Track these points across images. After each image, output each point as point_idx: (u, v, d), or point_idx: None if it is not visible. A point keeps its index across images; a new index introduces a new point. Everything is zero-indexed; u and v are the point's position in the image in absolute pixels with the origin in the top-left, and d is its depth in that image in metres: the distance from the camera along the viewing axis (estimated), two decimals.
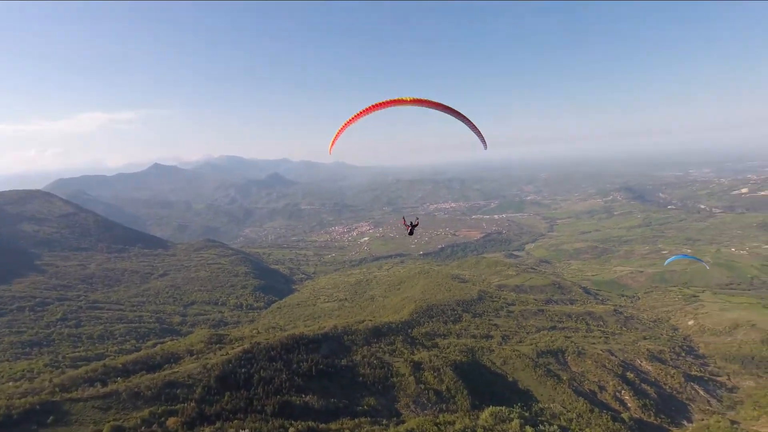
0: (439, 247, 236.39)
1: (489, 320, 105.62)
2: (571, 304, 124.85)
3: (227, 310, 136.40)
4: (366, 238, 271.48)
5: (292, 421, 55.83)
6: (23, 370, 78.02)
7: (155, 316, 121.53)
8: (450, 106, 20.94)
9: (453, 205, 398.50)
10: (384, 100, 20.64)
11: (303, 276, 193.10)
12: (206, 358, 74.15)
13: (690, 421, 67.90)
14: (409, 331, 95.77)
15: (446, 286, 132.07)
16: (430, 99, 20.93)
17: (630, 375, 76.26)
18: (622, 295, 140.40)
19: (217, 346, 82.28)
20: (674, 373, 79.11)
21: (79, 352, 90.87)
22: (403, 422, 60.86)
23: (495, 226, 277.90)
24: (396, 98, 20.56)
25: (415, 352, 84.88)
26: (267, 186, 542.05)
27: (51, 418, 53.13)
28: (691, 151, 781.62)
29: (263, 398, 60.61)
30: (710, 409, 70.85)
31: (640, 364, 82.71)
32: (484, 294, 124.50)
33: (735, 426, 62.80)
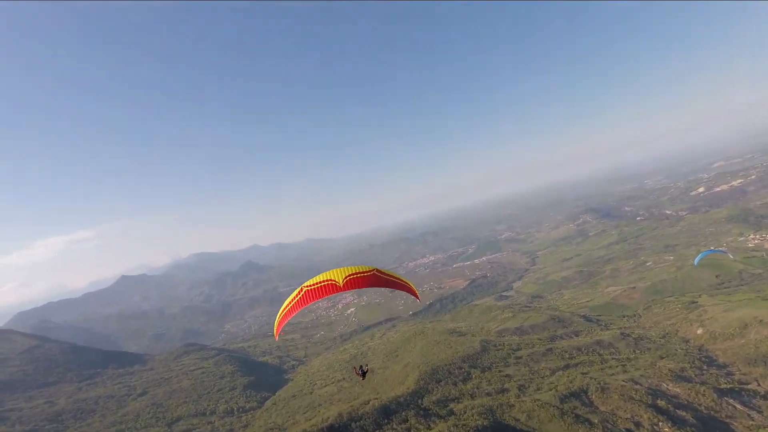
0: (428, 303, 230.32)
1: (499, 372, 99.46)
2: (577, 336, 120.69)
3: (217, 419, 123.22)
4: (352, 309, 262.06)
5: None
6: None
7: None
8: (378, 273, 20.33)
9: (432, 258, 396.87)
10: (320, 287, 19.68)
11: (294, 362, 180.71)
12: None
13: None
14: (420, 401, 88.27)
15: (446, 343, 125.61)
16: (360, 271, 20.50)
17: (661, 403, 71.52)
18: (623, 316, 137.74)
19: None
20: (704, 390, 74.95)
21: None
22: None
23: (478, 271, 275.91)
24: (331, 282, 19.54)
25: (432, 425, 77.51)
26: (241, 276, 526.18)
27: None
28: (638, 163, 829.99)
29: None
30: (754, 423, 66.39)
31: (668, 388, 78.25)
32: (487, 344, 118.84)
33: None
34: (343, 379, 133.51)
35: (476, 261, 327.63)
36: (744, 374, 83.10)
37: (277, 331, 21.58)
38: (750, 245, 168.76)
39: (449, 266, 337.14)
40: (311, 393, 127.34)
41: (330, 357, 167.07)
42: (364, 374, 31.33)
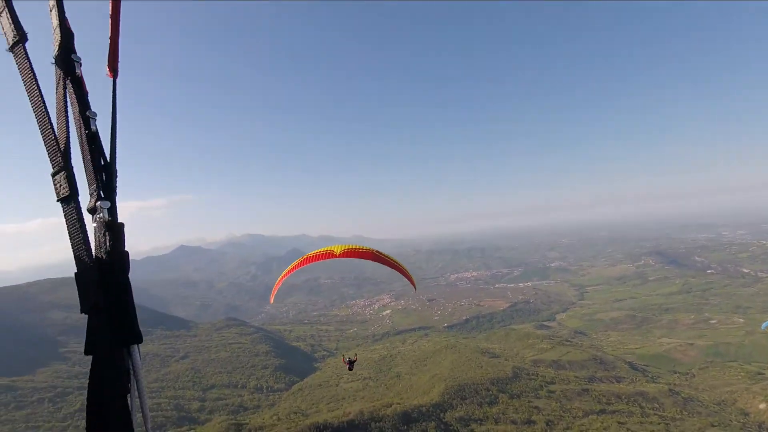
0: (464, 318, 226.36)
1: (528, 402, 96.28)
2: (618, 382, 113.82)
3: (247, 394, 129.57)
4: (388, 311, 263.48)
5: None
6: None
7: (173, 403, 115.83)
8: (377, 252, 21.51)
9: (474, 274, 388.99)
10: (318, 253, 21.32)
11: (325, 353, 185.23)
12: None
13: None
14: (442, 415, 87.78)
15: (477, 362, 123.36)
16: (359, 247, 21.94)
17: None
18: (674, 372, 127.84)
19: None
20: None
21: None
22: None
23: (521, 295, 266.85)
24: (327, 250, 21.09)
25: None
26: (287, 262, 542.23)
27: None
28: (718, 213, 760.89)
29: None
30: None
31: None
32: (520, 371, 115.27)
33: None
34: (369, 378, 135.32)
35: (521, 284, 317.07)
36: None
37: (273, 293, 23.14)
38: None
39: (491, 285, 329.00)
40: (337, 386, 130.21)
41: (360, 354, 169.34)
42: (351, 364, 31.34)
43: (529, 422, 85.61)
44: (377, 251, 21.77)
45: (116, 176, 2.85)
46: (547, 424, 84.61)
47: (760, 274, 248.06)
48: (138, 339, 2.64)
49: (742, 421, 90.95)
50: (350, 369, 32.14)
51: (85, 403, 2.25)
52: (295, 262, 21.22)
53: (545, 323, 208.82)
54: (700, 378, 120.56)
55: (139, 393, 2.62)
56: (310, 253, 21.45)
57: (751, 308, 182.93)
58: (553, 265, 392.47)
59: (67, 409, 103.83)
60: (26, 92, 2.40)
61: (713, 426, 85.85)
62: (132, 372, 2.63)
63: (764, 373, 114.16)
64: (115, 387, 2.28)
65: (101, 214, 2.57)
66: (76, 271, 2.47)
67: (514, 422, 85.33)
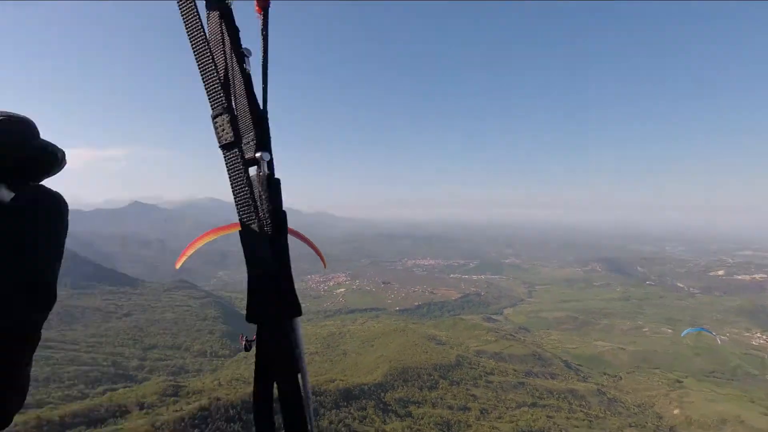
0: (416, 304, 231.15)
1: (467, 390, 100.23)
2: (552, 378, 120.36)
3: (190, 357, 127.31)
4: (342, 290, 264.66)
5: None
6: None
7: (111, 359, 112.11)
8: (296, 232, 21.35)
9: (432, 262, 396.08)
10: (225, 226, 20.14)
11: None
12: (157, 413, 67.01)
13: None
14: (382, 395, 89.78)
15: (423, 348, 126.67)
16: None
17: None
18: (604, 374, 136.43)
19: (172, 399, 75.00)
20: None
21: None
22: None
23: (473, 287, 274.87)
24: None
25: (387, 420, 79.00)
26: None
27: None
28: (665, 228, 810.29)
29: None
30: None
31: None
32: (462, 359, 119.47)
33: None
34: (316, 353, 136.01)
35: (474, 277, 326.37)
36: None
37: (180, 260, 22.17)
38: (754, 343, 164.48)
39: (446, 275, 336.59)
40: None
41: (309, 329, 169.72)
42: (249, 345, 29.67)
43: (465, 409, 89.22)
44: (291, 228, 21.03)
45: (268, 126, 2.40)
46: (481, 412, 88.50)
47: (693, 290, 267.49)
48: (300, 311, 2.23)
49: (656, 423, 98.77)
50: (246, 350, 29.61)
51: (253, 377, 2.00)
52: (209, 234, 20.32)
53: (493, 316, 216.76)
54: (626, 381, 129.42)
55: (302, 374, 2.13)
56: (226, 225, 20.66)
57: (680, 321, 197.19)
58: (507, 261, 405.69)
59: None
60: (185, 26, 2.02)
61: (630, 426, 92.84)
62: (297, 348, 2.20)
63: (683, 382, 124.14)
64: (290, 363, 1.92)
65: (262, 168, 2.22)
66: (240, 229, 2.11)
67: (450, 407, 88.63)
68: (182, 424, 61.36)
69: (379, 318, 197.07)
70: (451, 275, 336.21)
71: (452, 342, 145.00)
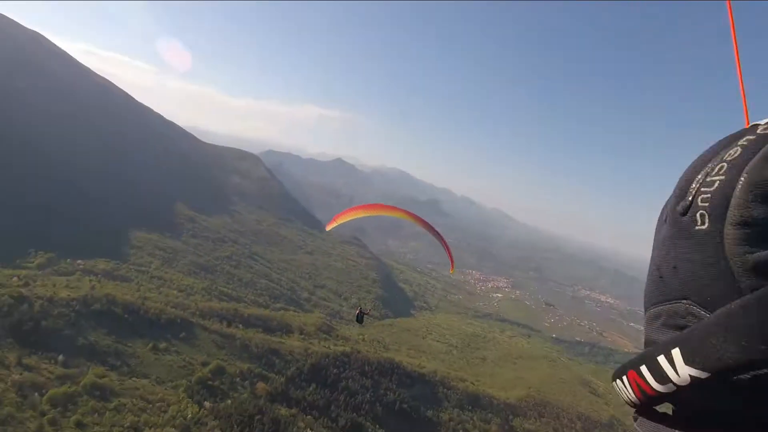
0: (578, 339, 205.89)
1: None
2: None
3: (346, 306, 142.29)
4: (499, 295, 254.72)
5: None
6: (187, 285, 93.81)
7: (290, 285, 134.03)
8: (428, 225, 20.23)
9: (611, 300, 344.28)
10: (377, 206, 21.88)
11: (424, 305, 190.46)
12: (310, 343, 77.26)
13: None
14: (511, 417, 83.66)
15: (572, 389, 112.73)
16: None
17: None
18: None
19: (324, 336, 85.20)
20: None
21: (227, 288, 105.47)
22: None
23: None
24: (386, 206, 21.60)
25: None
26: (424, 209, 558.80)
27: (182, 334, 61.55)
28: None
29: (341, 409, 59.50)
30: None
31: None
32: (617, 424, 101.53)
33: None
34: (456, 347, 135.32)
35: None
36: None
37: (333, 223, 22.44)
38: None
39: (626, 321, 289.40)
40: (423, 338, 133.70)
41: (456, 322, 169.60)
42: (361, 317, 27.32)
43: None
44: (430, 224, 21.02)
45: None
46: None
47: None
48: None
49: None
50: (358, 321, 27.48)
51: None
52: (367, 210, 20.95)
53: None
54: None
55: None
56: (379, 205, 21.45)
57: None
58: None
59: (220, 252, 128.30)
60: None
61: None
62: None
63: None
64: None
65: None
66: None
67: None
68: (326, 360, 69.15)
69: (531, 338, 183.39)
70: (631, 323, 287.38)
71: (610, 399, 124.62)
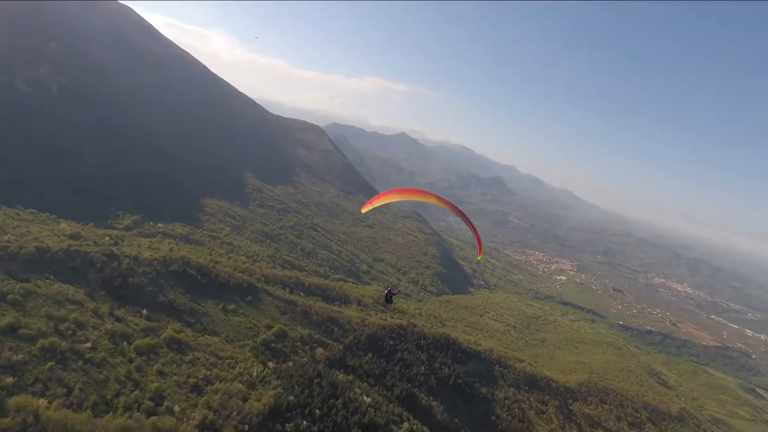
0: (648, 328, 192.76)
1: None
2: None
3: (405, 281, 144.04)
4: (563, 278, 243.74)
5: (410, 417, 54.38)
6: (254, 252, 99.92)
7: (349, 257, 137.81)
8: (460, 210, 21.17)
9: (690, 290, 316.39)
10: (417, 192, 21.94)
11: (482, 284, 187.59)
12: (368, 314, 79.40)
13: None
14: (570, 401, 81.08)
15: (639, 378, 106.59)
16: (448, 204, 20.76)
17: None
18: None
19: (381, 308, 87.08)
20: None
21: (290, 257, 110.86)
22: None
23: (742, 343, 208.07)
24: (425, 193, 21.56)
25: (567, 428, 71.45)
26: (486, 186, 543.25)
27: (249, 297, 65.91)
28: None
29: (396, 379, 60.91)
30: None
31: None
32: (688, 417, 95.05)
33: None
34: (514, 327, 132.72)
35: (749, 332, 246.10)
36: None
37: (369, 205, 22.73)
38: None
39: (704, 313, 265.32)
40: (481, 316, 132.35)
41: (515, 302, 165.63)
42: (389, 297, 28.25)
43: None
44: (461, 210, 21.63)
45: None
46: None
47: None
48: None
49: None
50: (387, 300, 28.21)
51: None
52: (402, 194, 21.19)
53: (758, 389, 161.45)
54: None
55: None
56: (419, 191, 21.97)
57: None
58: None
59: (285, 222, 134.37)
60: None
61: None
62: None
63: None
64: None
65: None
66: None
67: None
68: (383, 331, 70.74)
69: (595, 324, 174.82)
70: (712, 316, 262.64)
71: (682, 391, 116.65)
